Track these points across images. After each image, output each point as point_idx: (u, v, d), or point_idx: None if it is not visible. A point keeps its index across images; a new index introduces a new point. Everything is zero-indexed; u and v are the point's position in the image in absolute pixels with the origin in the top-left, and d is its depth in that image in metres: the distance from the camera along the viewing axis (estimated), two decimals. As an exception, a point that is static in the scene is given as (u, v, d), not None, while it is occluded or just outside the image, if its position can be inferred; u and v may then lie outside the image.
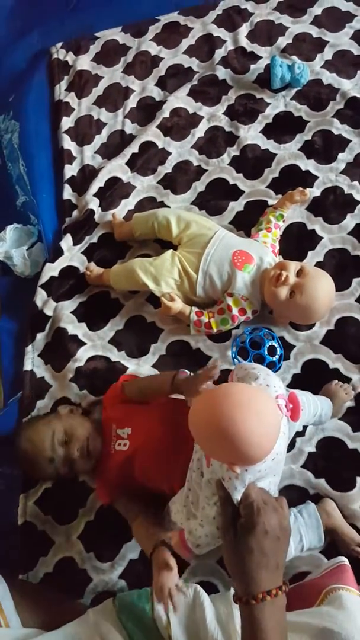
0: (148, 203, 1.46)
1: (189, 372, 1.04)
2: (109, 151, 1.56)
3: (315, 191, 1.37)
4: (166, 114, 1.55)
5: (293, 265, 1.16)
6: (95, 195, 1.47)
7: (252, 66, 1.59)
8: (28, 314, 1.36)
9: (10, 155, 1.61)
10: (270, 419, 0.76)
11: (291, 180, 1.39)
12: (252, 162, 1.45)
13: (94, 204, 1.45)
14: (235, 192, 1.42)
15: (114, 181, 1.49)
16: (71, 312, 1.34)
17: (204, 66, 1.64)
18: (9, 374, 1.34)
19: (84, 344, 1.29)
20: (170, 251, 1.28)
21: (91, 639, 0.84)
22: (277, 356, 1.16)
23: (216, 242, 1.24)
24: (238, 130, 1.50)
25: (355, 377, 1.16)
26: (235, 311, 1.19)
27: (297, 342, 1.22)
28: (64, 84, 1.71)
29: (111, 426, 1.07)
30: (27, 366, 1.30)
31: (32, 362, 1.31)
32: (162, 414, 1.06)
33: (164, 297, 1.23)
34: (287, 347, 1.21)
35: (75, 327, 1.31)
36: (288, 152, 1.44)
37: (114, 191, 1.47)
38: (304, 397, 1.00)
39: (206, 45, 1.67)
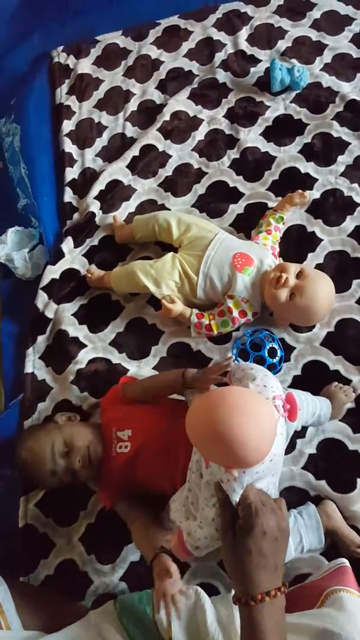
0: (149, 206, 1.47)
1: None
2: (110, 154, 1.57)
3: (315, 193, 1.38)
4: (166, 117, 1.56)
5: (293, 268, 1.16)
6: (96, 198, 1.47)
7: (252, 69, 1.60)
8: (29, 317, 1.36)
9: (11, 158, 1.62)
10: (267, 422, 0.76)
11: (291, 182, 1.39)
12: (252, 165, 1.46)
13: (94, 206, 1.45)
14: (235, 195, 1.43)
15: (114, 184, 1.49)
16: (72, 315, 1.34)
17: (204, 69, 1.64)
18: (10, 376, 1.34)
19: (84, 346, 1.29)
20: (170, 253, 1.28)
21: (92, 641, 0.84)
22: (277, 358, 1.17)
23: (216, 244, 1.25)
24: (238, 133, 1.51)
25: (356, 378, 1.16)
26: (235, 313, 1.20)
27: (297, 344, 1.22)
28: (65, 87, 1.71)
29: (111, 429, 1.07)
30: (28, 368, 1.30)
31: (33, 364, 1.31)
32: (161, 413, 1.06)
33: (164, 300, 1.24)
34: (288, 349, 1.21)
35: (76, 330, 1.31)
36: (288, 155, 1.45)
37: (114, 194, 1.48)
38: (302, 396, 1.01)
39: (206, 49, 1.67)
